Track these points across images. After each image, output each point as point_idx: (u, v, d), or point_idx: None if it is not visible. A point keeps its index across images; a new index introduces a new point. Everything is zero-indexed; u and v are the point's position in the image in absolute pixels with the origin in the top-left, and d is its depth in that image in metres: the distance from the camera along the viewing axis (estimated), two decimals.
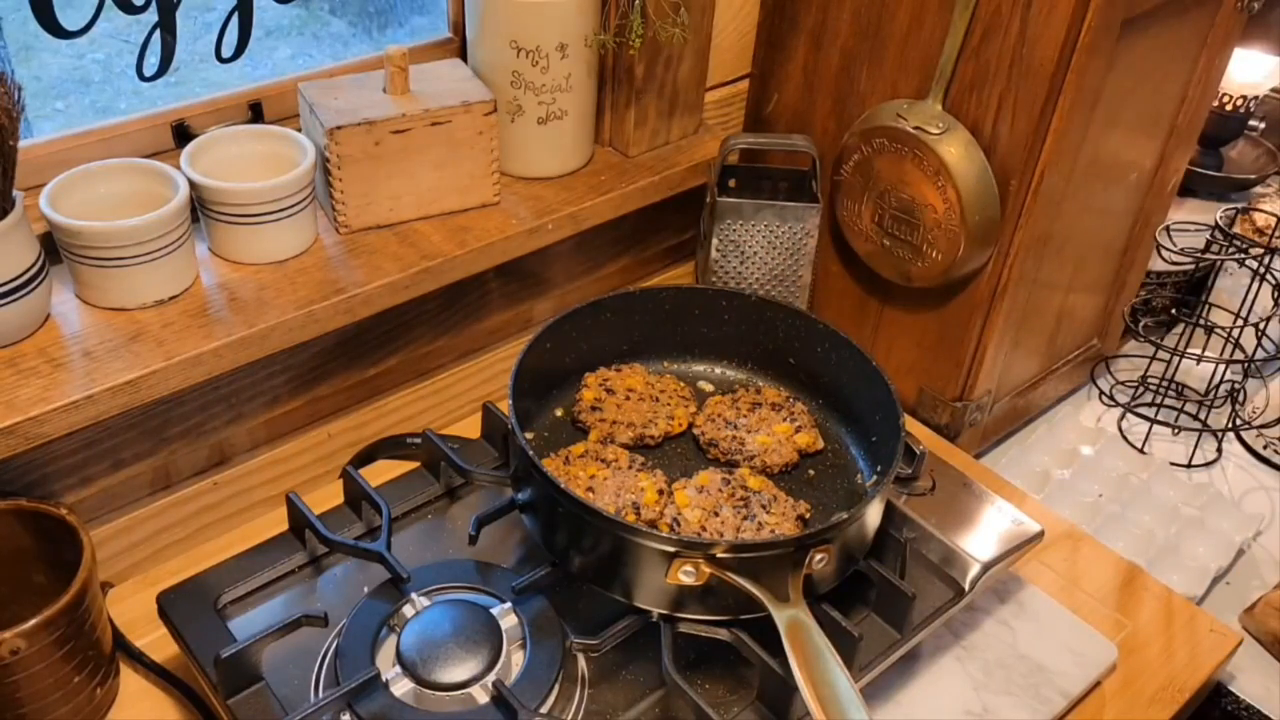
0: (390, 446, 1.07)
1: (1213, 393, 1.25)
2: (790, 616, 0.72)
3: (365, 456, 1.06)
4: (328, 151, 0.91)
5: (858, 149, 1.06)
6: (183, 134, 0.94)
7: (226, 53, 0.92)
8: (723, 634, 0.77)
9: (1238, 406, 1.26)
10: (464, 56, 1.05)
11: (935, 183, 1.00)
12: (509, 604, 0.80)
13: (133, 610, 0.87)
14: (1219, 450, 1.24)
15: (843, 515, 0.77)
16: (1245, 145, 1.70)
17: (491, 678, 0.74)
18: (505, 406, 0.84)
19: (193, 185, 0.87)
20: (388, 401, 1.08)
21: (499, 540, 0.88)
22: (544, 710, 0.74)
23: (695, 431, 0.94)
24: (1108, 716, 0.88)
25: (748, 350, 1.00)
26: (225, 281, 0.90)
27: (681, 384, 0.98)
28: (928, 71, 1.00)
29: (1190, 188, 1.60)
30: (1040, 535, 0.89)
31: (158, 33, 0.86)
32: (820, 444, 0.93)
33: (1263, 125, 1.70)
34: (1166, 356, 1.26)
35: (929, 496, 0.91)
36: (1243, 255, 1.33)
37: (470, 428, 1.01)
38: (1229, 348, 1.25)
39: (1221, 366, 1.22)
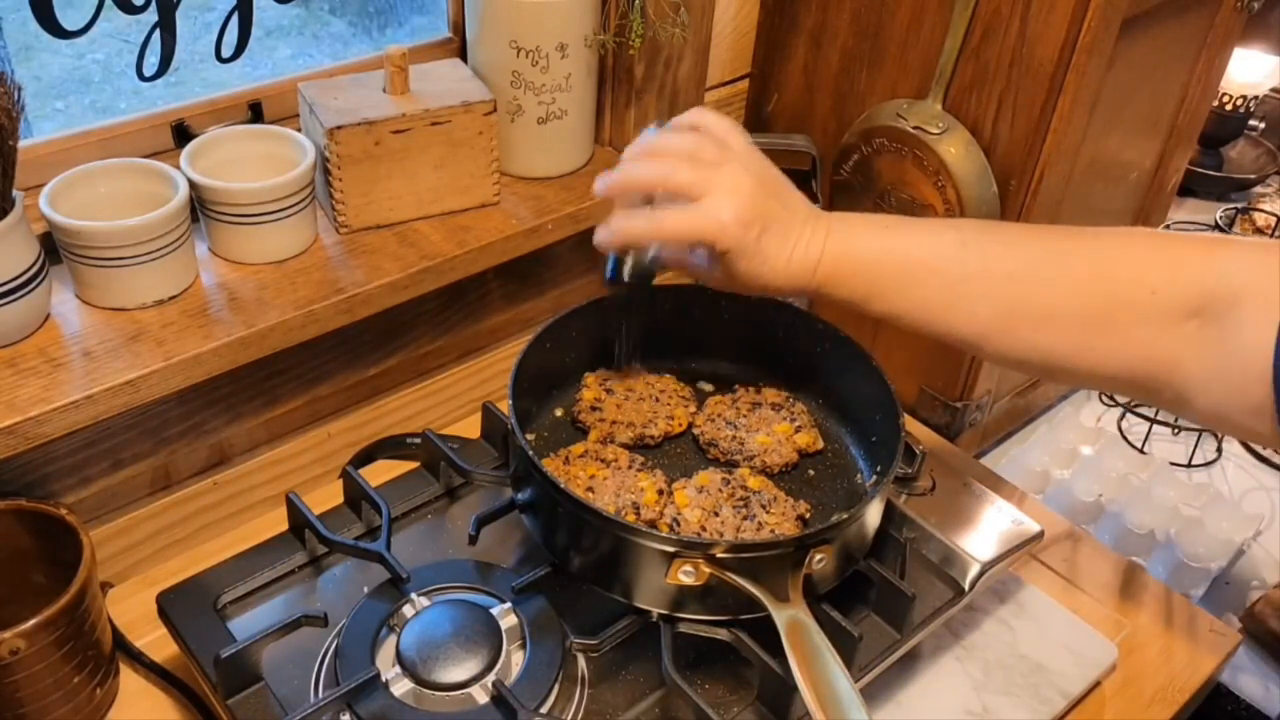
0: (390, 446, 1.07)
1: None
2: (790, 616, 0.71)
3: (365, 456, 1.06)
4: (328, 151, 0.91)
5: (858, 149, 1.06)
6: (183, 134, 0.94)
7: (226, 53, 0.92)
8: (723, 634, 0.77)
9: None
10: (464, 56, 1.05)
11: (935, 183, 1.00)
12: (509, 604, 0.80)
13: (133, 610, 0.87)
14: (1219, 450, 1.24)
15: (843, 515, 0.77)
16: (1245, 145, 1.70)
17: (491, 678, 0.74)
18: (505, 406, 0.84)
19: (193, 185, 0.87)
20: (388, 401, 1.08)
21: (499, 540, 0.88)
22: (544, 710, 0.74)
23: (695, 431, 0.94)
24: (1108, 716, 0.88)
25: (748, 350, 1.00)
26: (225, 281, 0.90)
27: (681, 384, 0.98)
28: (928, 71, 1.00)
29: (1190, 188, 1.60)
30: (1040, 535, 0.89)
31: (157, 33, 0.86)
32: (820, 444, 0.93)
33: (1263, 125, 1.71)
34: None
35: (929, 496, 0.91)
36: None
37: (470, 428, 1.01)
38: None
39: None
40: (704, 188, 0.73)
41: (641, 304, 0.94)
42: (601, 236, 0.77)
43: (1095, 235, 0.76)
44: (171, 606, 0.80)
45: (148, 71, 0.88)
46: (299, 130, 0.95)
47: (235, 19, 0.91)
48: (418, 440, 0.95)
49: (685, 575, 0.73)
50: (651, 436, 0.92)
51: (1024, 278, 0.75)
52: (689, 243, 0.75)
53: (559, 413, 0.95)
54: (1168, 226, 1.41)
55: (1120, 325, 0.72)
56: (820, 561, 0.75)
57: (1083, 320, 0.73)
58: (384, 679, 0.74)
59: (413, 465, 0.95)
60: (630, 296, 0.90)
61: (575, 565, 0.79)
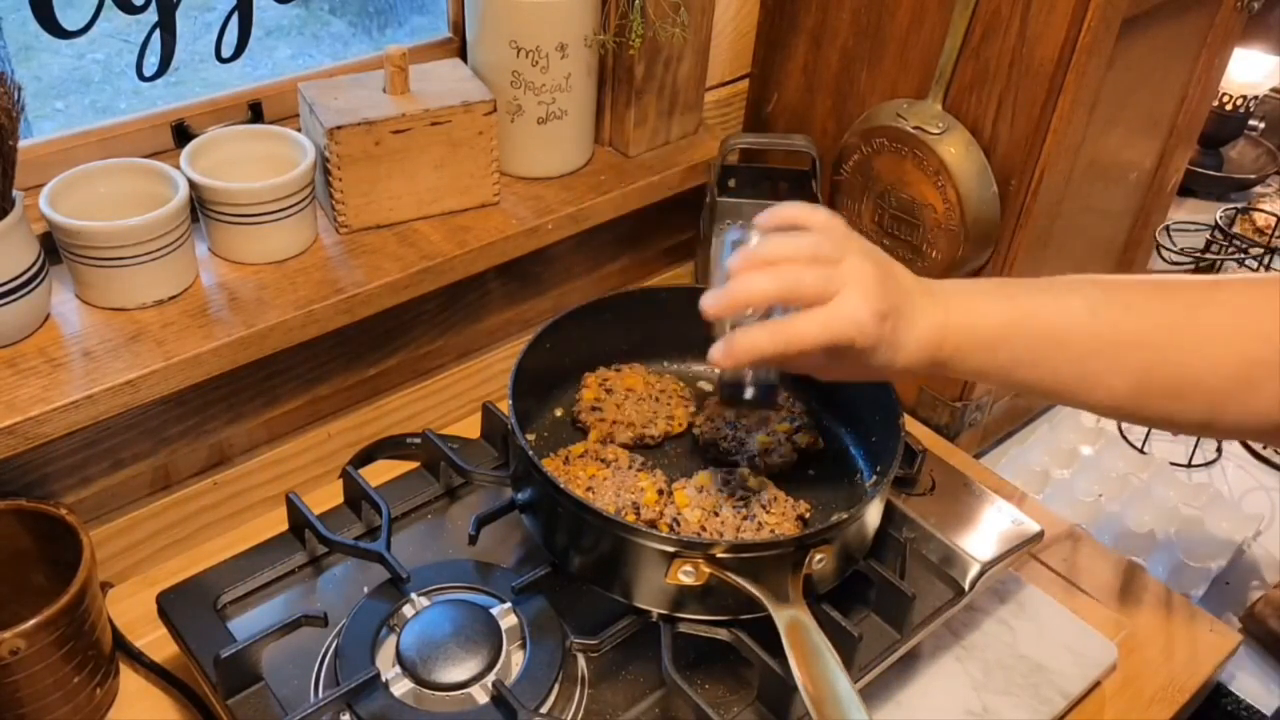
0: (390, 446, 1.07)
1: None
2: (790, 616, 0.71)
3: (365, 456, 1.06)
4: (328, 151, 0.91)
5: (858, 149, 1.06)
6: (183, 134, 0.94)
7: (226, 53, 0.92)
8: (723, 634, 0.77)
9: None
10: (464, 56, 1.05)
11: (935, 183, 1.00)
12: (509, 604, 0.80)
13: (133, 610, 0.87)
14: (1219, 450, 1.24)
15: (843, 515, 0.77)
16: (1245, 145, 1.70)
17: (491, 678, 0.74)
18: (505, 406, 0.84)
19: (193, 185, 0.87)
20: (388, 401, 1.08)
21: (499, 540, 0.88)
22: (544, 710, 0.74)
23: (695, 431, 0.94)
24: (1108, 716, 0.88)
25: None
26: (225, 281, 0.90)
27: (681, 384, 0.98)
28: (928, 71, 1.00)
29: (1190, 188, 1.60)
30: (1040, 535, 0.89)
31: (157, 33, 0.86)
32: (820, 444, 0.93)
33: (1263, 125, 1.71)
34: None
35: (929, 496, 0.91)
36: (1243, 255, 1.33)
37: (470, 428, 1.01)
38: None
39: None
40: (832, 289, 0.68)
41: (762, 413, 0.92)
42: (719, 356, 0.70)
43: (1218, 291, 0.74)
44: (171, 606, 0.80)
45: (148, 71, 0.88)
46: (299, 130, 0.95)
47: (235, 19, 0.91)
48: (418, 440, 0.95)
49: (685, 575, 0.73)
50: (651, 436, 0.92)
51: (1156, 346, 0.72)
52: (826, 349, 0.69)
53: (559, 413, 0.95)
54: (1167, 227, 1.41)
55: (1255, 385, 0.70)
56: (820, 561, 0.75)
57: (1218, 385, 0.71)
58: (384, 679, 0.74)
59: (413, 465, 0.95)
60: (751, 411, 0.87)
61: (575, 565, 0.79)
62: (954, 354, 0.72)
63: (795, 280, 0.68)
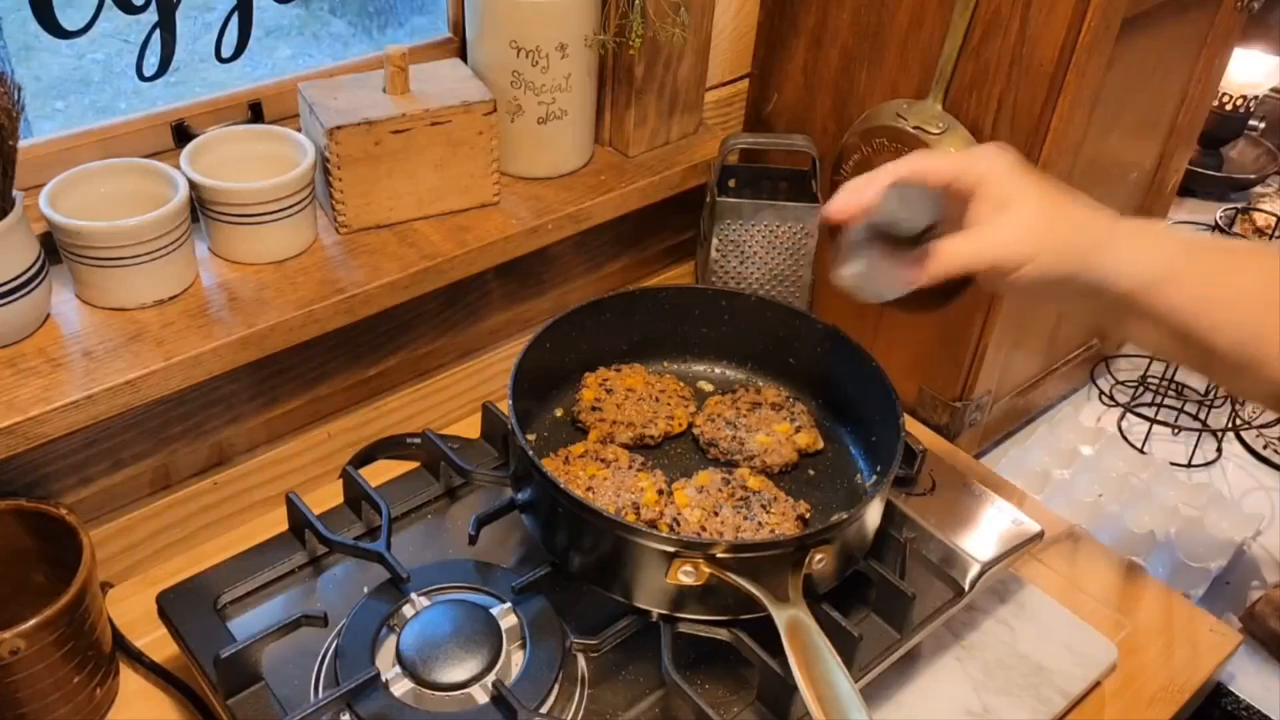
0: (390, 446, 1.07)
1: (1212, 392, 1.25)
2: (790, 616, 0.72)
3: (365, 456, 1.06)
4: (328, 151, 0.91)
5: (858, 149, 1.06)
6: (183, 134, 0.94)
7: (226, 53, 0.92)
8: (723, 634, 0.77)
9: (1237, 406, 1.26)
10: (464, 56, 1.05)
11: None
12: (509, 604, 0.80)
13: (133, 610, 0.87)
14: (1219, 450, 1.24)
15: (843, 515, 0.77)
16: (1245, 145, 1.70)
17: (491, 678, 0.74)
18: (505, 406, 0.84)
19: (193, 185, 0.87)
20: (388, 401, 1.08)
21: (499, 540, 0.88)
22: (544, 710, 0.74)
23: (695, 431, 0.94)
24: (1108, 716, 0.88)
25: (748, 350, 1.00)
26: (225, 281, 0.90)
27: (681, 384, 0.98)
28: (928, 71, 1.00)
29: (1190, 188, 1.60)
30: (1040, 535, 0.89)
31: (157, 32, 0.86)
32: (820, 444, 0.93)
33: (1263, 125, 1.71)
34: None
35: (929, 496, 0.91)
36: None
37: (470, 428, 1.01)
38: None
39: None
40: (972, 158, 0.69)
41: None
42: (831, 204, 0.71)
43: None
44: (171, 606, 0.80)
45: (148, 71, 0.88)
46: (299, 130, 0.95)
47: (235, 19, 0.91)
48: (418, 440, 0.95)
49: (685, 575, 0.73)
50: (651, 436, 0.92)
51: None
52: (955, 178, 0.68)
53: (559, 413, 0.95)
54: None
55: None
56: (820, 561, 0.75)
57: None
58: (384, 679, 0.74)
59: (413, 465, 0.95)
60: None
61: (575, 565, 0.79)
62: (1165, 278, 0.69)
63: (922, 161, 0.70)
